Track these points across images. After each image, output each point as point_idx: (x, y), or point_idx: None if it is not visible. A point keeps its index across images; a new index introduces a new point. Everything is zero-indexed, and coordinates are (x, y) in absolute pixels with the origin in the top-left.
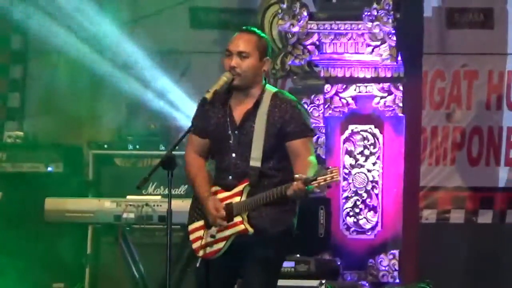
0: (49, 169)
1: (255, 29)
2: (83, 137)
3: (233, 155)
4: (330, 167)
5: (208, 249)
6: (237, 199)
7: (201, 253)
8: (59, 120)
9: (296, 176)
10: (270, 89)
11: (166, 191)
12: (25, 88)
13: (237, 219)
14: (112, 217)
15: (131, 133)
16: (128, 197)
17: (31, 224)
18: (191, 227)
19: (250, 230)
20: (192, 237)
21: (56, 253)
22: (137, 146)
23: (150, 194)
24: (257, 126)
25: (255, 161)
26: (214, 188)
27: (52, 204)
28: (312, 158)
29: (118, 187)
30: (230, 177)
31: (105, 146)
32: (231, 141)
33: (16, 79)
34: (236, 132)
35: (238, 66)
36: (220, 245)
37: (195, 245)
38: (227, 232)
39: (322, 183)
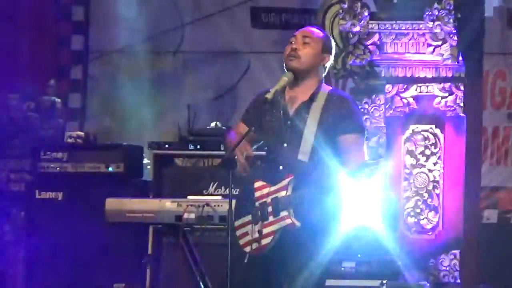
0: (110, 169)
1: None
2: (143, 137)
3: (285, 145)
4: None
5: (255, 245)
6: (282, 193)
7: (248, 249)
8: (119, 120)
9: None
10: (326, 86)
11: (227, 191)
12: (86, 88)
13: (283, 213)
14: (173, 218)
15: (192, 133)
16: (189, 197)
17: (92, 224)
18: (237, 223)
19: (297, 224)
20: (238, 233)
21: (116, 254)
22: (198, 146)
23: (211, 194)
24: (310, 119)
25: (303, 154)
26: (258, 183)
27: (113, 204)
28: (361, 155)
29: (178, 187)
30: (281, 167)
31: (166, 146)
32: (283, 131)
33: (77, 80)
34: (288, 122)
35: (299, 49)
36: (268, 240)
37: (242, 241)
38: (274, 227)
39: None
